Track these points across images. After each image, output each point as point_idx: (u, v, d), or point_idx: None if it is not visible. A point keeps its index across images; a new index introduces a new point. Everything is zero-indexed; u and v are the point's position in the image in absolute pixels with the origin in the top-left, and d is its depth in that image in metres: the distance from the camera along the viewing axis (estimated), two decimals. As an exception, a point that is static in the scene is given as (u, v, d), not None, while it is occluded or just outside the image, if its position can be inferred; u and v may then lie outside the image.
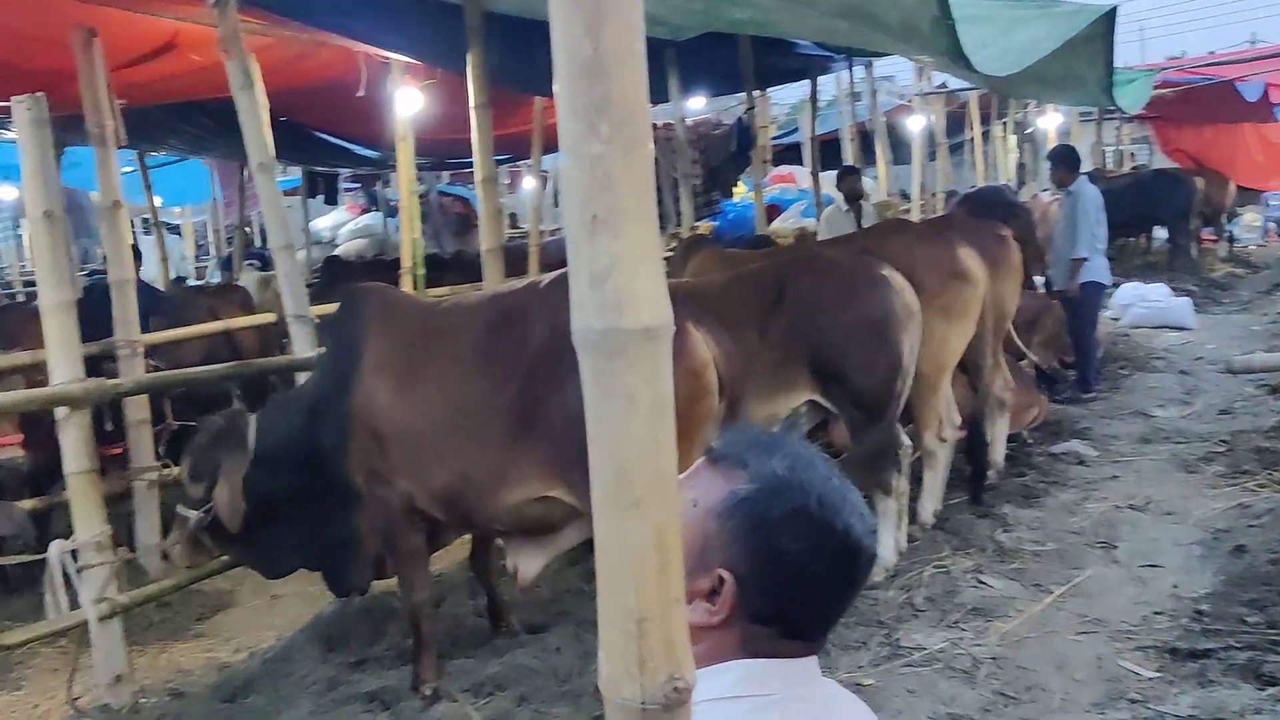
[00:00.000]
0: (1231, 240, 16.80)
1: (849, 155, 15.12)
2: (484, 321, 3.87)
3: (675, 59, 7.07)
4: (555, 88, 0.93)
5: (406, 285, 7.00)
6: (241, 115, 4.72)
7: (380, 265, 11.03)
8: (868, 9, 4.14)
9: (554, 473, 3.59)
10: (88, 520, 3.91)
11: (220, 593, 5.57)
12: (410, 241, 6.99)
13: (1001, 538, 5.35)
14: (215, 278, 14.47)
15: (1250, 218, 18.42)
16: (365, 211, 17.44)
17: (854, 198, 8.90)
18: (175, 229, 23.22)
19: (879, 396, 4.82)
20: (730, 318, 4.84)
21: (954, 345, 5.26)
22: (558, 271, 4.05)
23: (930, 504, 5.46)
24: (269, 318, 6.58)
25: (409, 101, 6.32)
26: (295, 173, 15.18)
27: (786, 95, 27.78)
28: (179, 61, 6.70)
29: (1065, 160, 8.58)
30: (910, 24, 4.00)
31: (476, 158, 5.83)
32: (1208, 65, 16.39)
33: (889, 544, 4.96)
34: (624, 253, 0.91)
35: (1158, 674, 3.95)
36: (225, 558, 4.53)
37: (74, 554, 3.91)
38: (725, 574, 1.21)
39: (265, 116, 4.99)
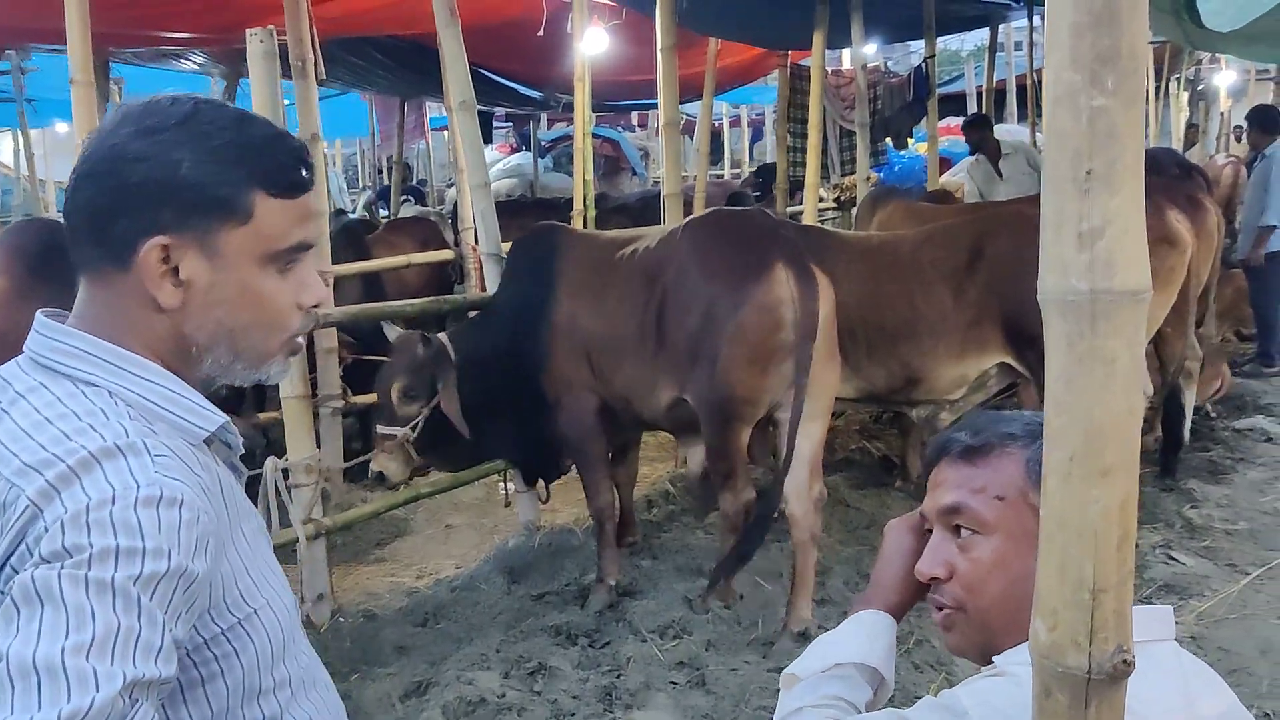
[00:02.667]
0: None
1: (1013, 108, 14.64)
2: (641, 258, 4.31)
3: (860, 3, 6.88)
4: (1050, 35, 0.89)
5: (577, 227, 7.03)
6: (445, 52, 4.77)
7: (524, 207, 11.09)
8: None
9: (681, 380, 4.12)
10: (300, 443, 4.07)
11: (396, 520, 5.74)
12: (582, 183, 7.00)
13: (1190, 514, 5.15)
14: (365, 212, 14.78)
15: None
16: (515, 151, 17.59)
17: (980, 150, 8.53)
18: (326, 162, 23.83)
19: (1074, 362, 4.66)
20: (923, 273, 4.77)
21: (1155, 313, 5.05)
22: (693, 216, 4.57)
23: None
24: (448, 254, 6.69)
25: (595, 41, 6.29)
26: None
27: (942, 45, 26.93)
28: (369, -4, 6.82)
29: (1262, 121, 8.14)
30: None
31: (661, 101, 5.79)
32: None
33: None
34: (1119, 211, 0.88)
35: (1373, 666, 3.78)
36: (417, 485, 4.72)
37: (285, 473, 4.06)
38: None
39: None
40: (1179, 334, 5.50)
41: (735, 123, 21.54)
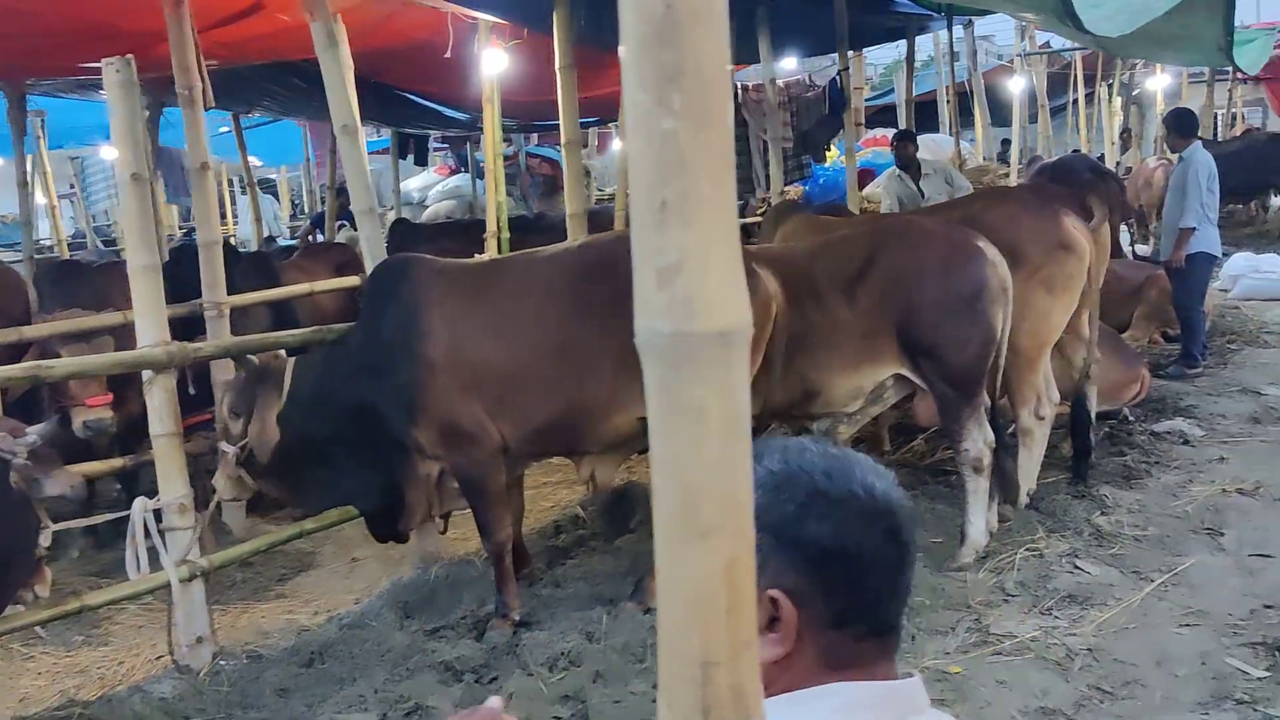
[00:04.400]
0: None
1: (945, 117, 14.72)
2: (580, 271, 4.22)
3: (766, 18, 6.85)
4: (622, 52, 0.80)
5: (491, 249, 6.93)
6: (326, 77, 4.67)
7: (454, 228, 10.99)
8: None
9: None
10: (171, 483, 3.94)
11: (302, 554, 5.61)
12: (495, 204, 6.91)
13: (1099, 521, 5.11)
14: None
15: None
16: (454, 173, 17.47)
17: (906, 165, 8.60)
18: (272, 188, 23.63)
19: (970, 372, 4.64)
20: (816, 285, 4.71)
21: (1056, 320, 5.03)
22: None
23: (1024, 483, 5.24)
24: (354, 281, 6.56)
25: (495, 62, 6.22)
26: (386, 133, 15.24)
27: (881, 56, 27.04)
28: (267, 22, 6.69)
29: (1179, 124, 8.17)
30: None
31: (562, 120, 5.72)
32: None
33: (979, 524, 4.78)
34: (697, 245, 0.79)
35: (1267, 673, 3.73)
36: (303, 521, 4.61)
37: (158, 514, 3.93)
38: (775, 594, 1.12)
39: (350, 78, 4.93)
40: (1081, 340, 5.47)
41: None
